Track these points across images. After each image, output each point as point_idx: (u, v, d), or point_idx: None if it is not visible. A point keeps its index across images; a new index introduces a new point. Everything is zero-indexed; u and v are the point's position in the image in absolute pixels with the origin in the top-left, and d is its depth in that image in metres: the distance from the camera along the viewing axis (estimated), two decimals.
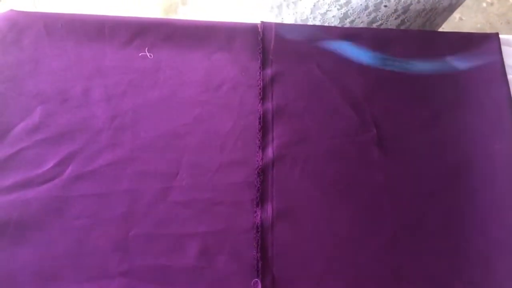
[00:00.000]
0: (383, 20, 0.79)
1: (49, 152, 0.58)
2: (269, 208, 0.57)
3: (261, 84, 0.63)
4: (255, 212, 0.57)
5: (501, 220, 0.58)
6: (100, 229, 0.55)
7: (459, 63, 0.66)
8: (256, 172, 0.59)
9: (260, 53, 0.65)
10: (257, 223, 0.56)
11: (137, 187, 0.57)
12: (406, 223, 0.57)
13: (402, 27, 0.78)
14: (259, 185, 0.58)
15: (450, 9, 0.86)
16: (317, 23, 0.79)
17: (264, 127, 0.61)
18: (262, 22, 0.67)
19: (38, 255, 0.54)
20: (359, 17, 0.78)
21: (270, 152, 0.60)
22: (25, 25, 0.64)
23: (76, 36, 0.64)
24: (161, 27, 0.65)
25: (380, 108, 0.63)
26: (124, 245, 0.55)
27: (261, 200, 0.58)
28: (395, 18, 0.78)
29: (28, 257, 0.54)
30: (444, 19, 0.89)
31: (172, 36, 0.65)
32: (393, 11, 0.76)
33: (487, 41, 0.69)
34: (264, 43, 0.66)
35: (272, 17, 0.83)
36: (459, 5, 0.84)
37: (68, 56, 0.63)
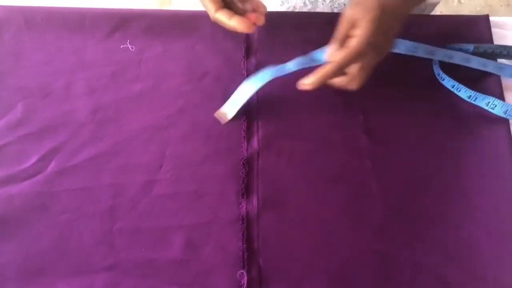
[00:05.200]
0: None
1: (32, 147, 0.58)
2: (254, 199, 0.57)
3: (245, 73, 0.62)
4: (241, 203, 0.56)
5: (491, 205, 0.57)
6: (85, 223, 0.55)
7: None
8: (241, 163, 0.58)
9: (244, 42, 0.64)
10: (243, 214, 0.56)
11: (121, 180, 0.57)
12: (395, 211, 0.57)
13: None
14: (244, 176, 0.57)
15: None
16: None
17: (249, 117, 0.61)
18: None
19: (23, 251, 0.54)
20: None
21: (255, 142, 0.59)
22: (4, 19, 0.63)
23: (56, 29, 0.63)
24: (142, 18, 0.64)
25: (367, 94, 0.62)
26: (109, 239, 0.55)
27: (246, 191, 0.57)
28: None
29: (13, 253, 0.54)
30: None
31: (154, 27, 0.64)
32: None
33: (477, 24, 0.67)
34: None
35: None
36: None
37: (49, 49, 0.63)
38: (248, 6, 0.56)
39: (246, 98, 0.59)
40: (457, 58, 0.61)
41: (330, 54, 0.52)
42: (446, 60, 0.62)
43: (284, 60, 0.60)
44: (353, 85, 0.54)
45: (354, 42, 0.49)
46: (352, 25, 0.50)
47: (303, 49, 0.64)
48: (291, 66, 0.58)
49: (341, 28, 0.51)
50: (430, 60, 0.63)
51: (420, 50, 0.62)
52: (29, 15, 0.64)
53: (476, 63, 0.61)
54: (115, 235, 0.55)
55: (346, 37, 0.51)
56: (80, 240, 0.54)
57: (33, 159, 0.57)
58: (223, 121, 0.59)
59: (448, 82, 0.61)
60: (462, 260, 0.55)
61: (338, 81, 0.55)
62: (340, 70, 0.51)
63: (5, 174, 0.57)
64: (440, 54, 0.62)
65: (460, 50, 0.63)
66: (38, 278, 0.53)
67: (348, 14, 0.50)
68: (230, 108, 0.60)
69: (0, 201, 0.55)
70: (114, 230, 0.55)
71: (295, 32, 0.65)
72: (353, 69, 0.53)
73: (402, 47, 0.61)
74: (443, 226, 0.56)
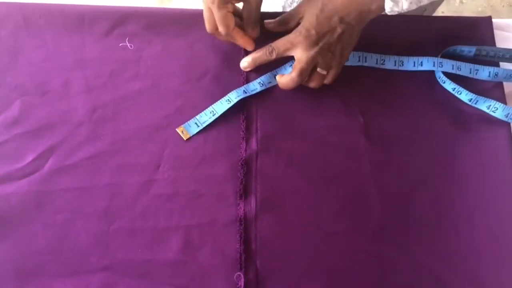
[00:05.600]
0: None
1: (28, 146, 0.57)
2: (252, 200, 0.56)
3: (245, 73, 0.62)
4: (238, 204, 0.56)
5: (490, 208, 0.57)
6: (81, 223, 0.55)
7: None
8: (240, 163, 0.58)
9: None
10: (240, 215, 0.55)
11: (119, 180, 0.57)
12: (393, 213, 0.56)
13: None
14: (242, 177, 0.57)
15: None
16: None
17: (248, 117, 0.60)
18: None
19: (19, 251, 0.54)
20: None
21: (254, 143, 0.59)
22: (2, 16, 0.63)
23: (55, 27, 0.63)
24: (142, 16, 0.64)
25: (367, 96, 0.62)
26: (106, 239, 0.54)
27: (244, 192, 0.57)
28: None
29: (9, 253, 0.53)
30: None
31: (153, 25, 0.64)
32: None
33: (479, 26, 0.67)
34: None
35: None
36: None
37: (47, 47, 0.62)
38: None
39: (211, 119, 0.59)
40: (447, 66, 0.61)
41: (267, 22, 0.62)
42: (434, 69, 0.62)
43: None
44: (290, 83, 0.58)
45: (293, 31, 0.57)
46: (298, 19, 0.58)
47: None
48: (257, 86, 0.61)
49: (288, 14, 0.60)
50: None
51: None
52: (27, 12, 0.63)
53: (467, 70, 0.61)
54: (112, 236, 0.54)
55: (286, 23, 0.60)
56: (76, 240, 0.54)
57: (30, 158, 0.57)
58: (184, 137, 0.59)
59: (449, 85, 0.60)
60: (461, 263, 0.54)
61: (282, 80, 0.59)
62: (269, 54, 0.58)
63: (1, 173, 0.56)
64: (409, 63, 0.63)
65: (462, 52, 0.62)
66: (34, 278, 0.53)
67: (298, 7, 0.59)
68: (192, 127, 0.59)
69: None
70: (111, 230, 0.54)
71: None
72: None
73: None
74: (442, 229, 0.56)
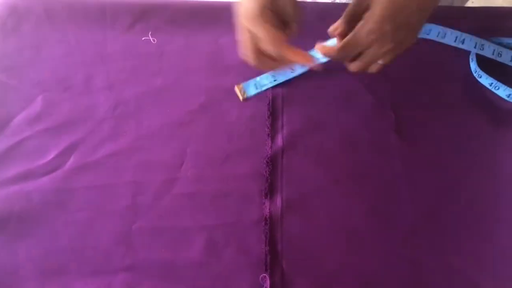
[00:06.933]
0: None
1: (50, 142, 0.57)
2: (278, 200, 0.54)
3: None
4: (264, 203, 0.54)
5: None
6: (103, 222, 0.54)
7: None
8: (265, 161, 0.56)
9: None
10: (266, 215, 0.54)
11: (141, 178, 0.55)
12: (426, 214, 0.54)
13: None
14: (267, 175, 0.55)
15: None
16: None
17: (273, 113, 0.58)
18: None
19: (41, 249, 0.53)
20: None
21: (279, 140, 0.57)
22: (25, 10, 0.62)
23: (77, 21, 0.62)
24: (165, 9, 0.63)
25: (399, 92, 0.59)
26: (128, 238, 0.53)
27: (270, 191, 0.55)
28: None
29: (30, 251, 0.53)
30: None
31: (176, 19, 0.62)
32: None
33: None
34: None
35: None
36: None
37: (69, 42, 0.61)
38: None
39: (271, 84, 0.59)
40: (488, 50, 0.58)
41: (332, 28, 0.51)
42: (478, 51, 0.59)
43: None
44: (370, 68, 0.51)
45: (359, 29, 0.45)
46: (365, 7, 0.46)
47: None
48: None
49: (351, 8, 0.48)
50: (467, 55, 0.60)
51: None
52: (49, 6, 0.63)
53: (508, 57, 0.58)
54: (134, 235, 0.53)
55: (355, 15, 0.47)
56: (98, 239, 0.53)
57: (52, 155, 0.56)
58: (241, 96, 0.58)
59: (485, 80, 0.57)
60: (500, 270, 0.52)
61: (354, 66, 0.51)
62: (342, 56, 0.49)
63: (23, 170, 0.55)
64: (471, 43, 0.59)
65: (500, 45, 0.59)
66: (56, 277, 0.52)
67: None
68: (250, 87, 0.59)
69: (18, 198, 0.54)
70: (133, 230, 0.53)
71: (321, 23, 0.62)
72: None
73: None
74: (479, 232, 0.53)
